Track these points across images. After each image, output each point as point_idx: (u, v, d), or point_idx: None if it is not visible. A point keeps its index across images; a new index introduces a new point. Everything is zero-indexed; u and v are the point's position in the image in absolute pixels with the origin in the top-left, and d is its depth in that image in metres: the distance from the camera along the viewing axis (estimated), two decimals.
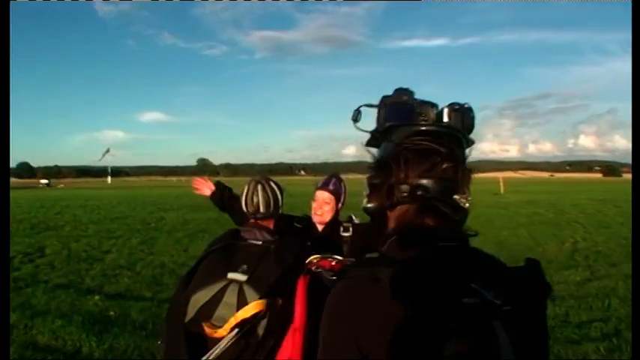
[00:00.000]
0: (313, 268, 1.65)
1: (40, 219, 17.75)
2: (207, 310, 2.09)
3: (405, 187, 1.16)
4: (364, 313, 1.03)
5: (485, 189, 43.39)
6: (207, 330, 2.06)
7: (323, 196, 3.15)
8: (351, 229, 3.12)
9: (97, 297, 6.70)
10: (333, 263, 1.62)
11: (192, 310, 2.12)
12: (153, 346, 4.82)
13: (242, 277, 2.11)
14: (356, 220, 3.18)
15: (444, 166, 1.16)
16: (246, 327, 1.99)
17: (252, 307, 2.02)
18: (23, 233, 13.78)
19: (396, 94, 1.30)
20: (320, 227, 3.20)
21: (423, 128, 1.22)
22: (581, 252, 10.70)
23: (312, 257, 1.68)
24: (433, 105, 1.27)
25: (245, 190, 2.52)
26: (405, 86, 1.31)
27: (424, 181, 1.15)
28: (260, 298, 2.04)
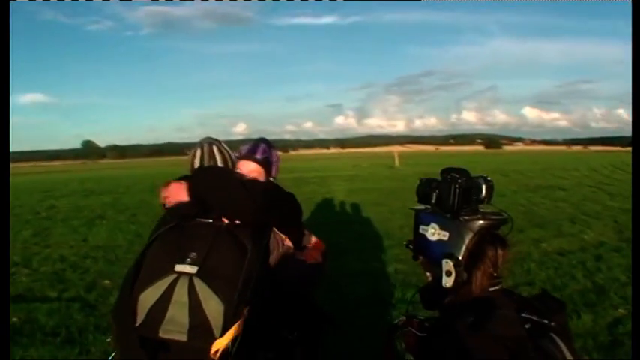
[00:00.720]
0: (401, 324, 1.79)
1: None
2: (158, 312, 1.82)
3: (491, 273, 1.55)
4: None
5: (379, 162, 44.43)
6: None
7: (249, 167, 2.43)
8: None
9: None
10: (416, 322, 1.76)
11: (142, 312, 1.85)
12: (71, 354, 4.29)
13: (191, 269, 1.84)
14: None
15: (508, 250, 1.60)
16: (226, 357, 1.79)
17: (228, 337, 1.79)
18: None
19: (464, 178, 1.59)
20: None
21: (494, 220, 1.57)
22: None
23: (399, 319, 1.82)
24: (477, 183, 1.60)
25: (198, 154, 2.22)
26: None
27: (498, 265, 1.58)
28: (214, 293, 1.80)
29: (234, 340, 1.79)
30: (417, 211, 1.69)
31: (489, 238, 1.55)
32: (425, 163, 44.64)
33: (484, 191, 1.58)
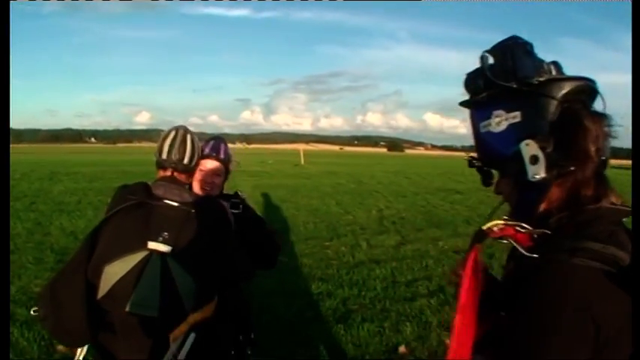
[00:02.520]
0: (494, 235, 1.22)
1: None
2: (126, 287, 1.84)
3: (595, 152, 1.07)
4: (609, 299, 0.94)
5: (285, 160, 44.68)
6: None
7: (214, 165, 2.61)
8: (241, 206, 2.66)
9: None
10: (519, 233, 1.18)
11: (105, 285, 1.85)
12: None
13: (164, 248, 1.89)
14: (243, 196, 2.78)
15: (610, 128, 1.10)
16: (200, 329, 1.89)
17: (206, 311, 1.93)
18: None
19: (521, 43, 1.16)
20: None
21: (583, 81, 1.11)
22: (388, 219, 11.49)
23: (492, 223, 1.23)
24: (542, 60, 1.15)
25: (170, 137, 2.20)
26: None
27: (602, 145, 1.08)
28: (188, 274, 1.87)
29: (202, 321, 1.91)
30: (470, 109, 1.24)
31: (583, 105, 1.10)
32: (330, 162, 45.38)
33: (554, 71, 1.13)
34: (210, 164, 2.59)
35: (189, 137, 2.22)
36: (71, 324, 1.91)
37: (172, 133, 2.22)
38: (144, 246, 1.88)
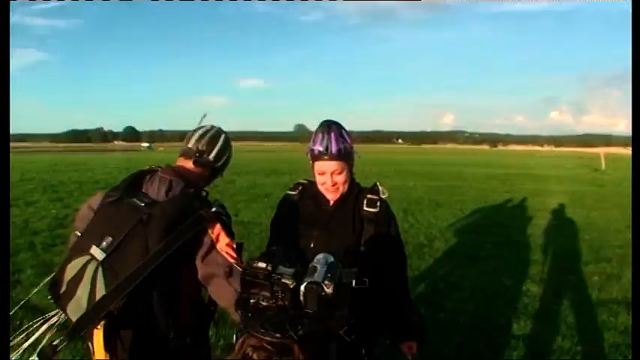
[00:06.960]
0: None
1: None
2: (72, 289, 1.80)
3: None
4: None
5: (585, 164, 40.51)
6: None
7: (328, 166, 2.17)
8: (378, 204, 2.23)
9: None
10: None
11: (64, 283, 1.84)
12: None
13: (99, 255, 1.79)
14: (384, 195, 2.27)
15: None
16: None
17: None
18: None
19: None
20: (332, 202, 2.26)
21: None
22: None
23: None
24: None
25: (204, 129, 2.18)
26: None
27: None
28: (107, 291, 1.74)
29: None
30: None
31: None
32: None
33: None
34: (324, 166, 2.18)
35: (223, 136, 2.17)
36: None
37: (208, 127, 2.17)
38: (89, 249, 1.81)
